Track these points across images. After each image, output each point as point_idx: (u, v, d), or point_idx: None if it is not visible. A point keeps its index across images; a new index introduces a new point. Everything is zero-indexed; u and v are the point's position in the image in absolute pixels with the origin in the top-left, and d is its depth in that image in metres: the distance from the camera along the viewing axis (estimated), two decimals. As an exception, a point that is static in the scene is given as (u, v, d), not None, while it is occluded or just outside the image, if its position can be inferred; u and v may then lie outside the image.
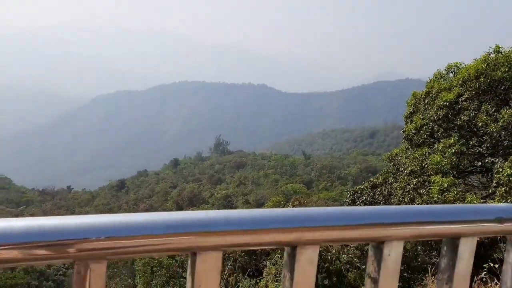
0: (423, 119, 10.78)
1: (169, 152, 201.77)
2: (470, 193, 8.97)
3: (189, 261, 0.94)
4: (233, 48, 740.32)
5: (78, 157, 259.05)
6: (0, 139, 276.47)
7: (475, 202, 8.19)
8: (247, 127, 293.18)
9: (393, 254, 1.13)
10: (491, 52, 10.27)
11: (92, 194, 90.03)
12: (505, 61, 9.74)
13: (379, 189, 11.70)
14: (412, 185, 9.64)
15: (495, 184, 8.60)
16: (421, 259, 9.80)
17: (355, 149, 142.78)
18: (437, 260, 9.50)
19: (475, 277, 5.37)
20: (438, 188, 8.77)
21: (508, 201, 7.66)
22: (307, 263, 1.03)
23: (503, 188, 8.11)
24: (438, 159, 9.29)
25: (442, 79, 11.27)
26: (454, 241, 1.21)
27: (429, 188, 9.16)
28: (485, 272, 5.36)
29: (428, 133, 10.57)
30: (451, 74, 11.21)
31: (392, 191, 11.19)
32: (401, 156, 11.24)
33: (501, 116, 9.12)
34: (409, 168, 10.04)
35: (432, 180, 9.08)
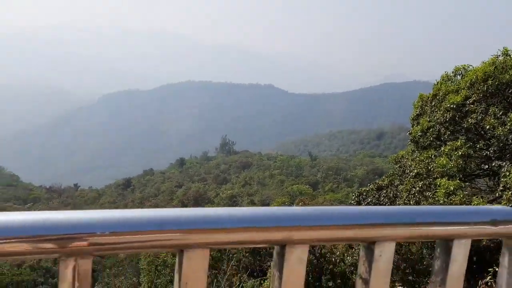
0: (429, 121, 10.73)
1: (175, 151, 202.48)
2: (477, 197, 8.91)
3: (176, 258, 0.94)
4: (234, 48, 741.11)
5: (82, 155, 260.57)
6: (1, 139, 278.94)
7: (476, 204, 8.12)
8: (253, 127, 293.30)
9: (385, 254, 1.11)
10: (499, 55, 10.21)
11: (99, 192, 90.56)
12: (513, 64, 9.68)
13: (385, 191, 11.65)
14: (417, 188, 9.59)
15: (502, 188, 8.54)
16: (427, 262, 9.74)
17: (361, 150, 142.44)
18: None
19: (480, 281, 5.33)
20: (444, 191, 8.72)
21: (515, 205, 7.60)
22: (296, 263, 1.02)
23: (510, 192, 8.05)
24: (444, 162, 9.24)
25: (450, 82, 11.21)
26: (447, 242, 1.19)
27: (435, 191, 9.10)
28: (490, 276, 5.32)
29: (434, 136, 10.51)
30: (458, 76, 11.14)
31: (398, 193, 11.14)
32: (407, 158, 11.19)
33: (508, 119, 9.06)
34: (415, 170, 9.99)
35: (438, 183, 9.03)
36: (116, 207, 64.54)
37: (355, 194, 13.58)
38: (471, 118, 9.79)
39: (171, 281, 16.87)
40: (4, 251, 0.79)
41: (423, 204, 9.16)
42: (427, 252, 9.41)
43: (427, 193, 9.25)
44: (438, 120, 10.41)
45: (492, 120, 9.28)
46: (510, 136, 9.07)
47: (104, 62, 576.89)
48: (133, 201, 69.20)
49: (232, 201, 63.69)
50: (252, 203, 59.35)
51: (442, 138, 10.47)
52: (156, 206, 60.65)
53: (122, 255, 36.35)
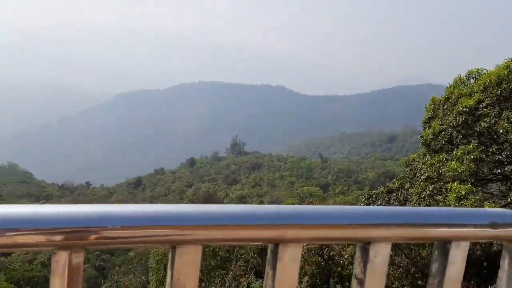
0: (441, 124, 10.61)
1: (186, 151, 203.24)
2: (488, 202, 8.79)
3: (169, 254, 0.94)
4: (247, 48, 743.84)
5: (94, 154, 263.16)
6: (16, 136, 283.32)
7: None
8: (264, 128, 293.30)
9: (380, 255, 1.10)
10: (514, 59, 10.06)
11: (110, 191, 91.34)
12: (528, 68, 9.53)
13: (395, 194, 11.55)
14: (428, 192, 9.49)
15: (514, 193, 8.41)
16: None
17: (373, 153, 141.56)
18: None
19: (489, 286, 5.26)
20: (455, 195, 8.61)
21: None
22: (289, 261, 1.01)
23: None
24: (456, 166, 9.13)
25: (463, 85, 11.08)
26: (445, 245, 1.17)
27: (446, 195, 9.00)
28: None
29: (446, 139, 10.39)
30: (472, 80, 11.01)
31: (408, 196, 11.04)
32: (418, 162, 11.09)
33: (522, 123, 8.92)
34: (426, 174, 9.90)
35: (449, 187, 8.92)
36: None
37: (364, 196, 13.50)
38: (484, 122, 9.66)
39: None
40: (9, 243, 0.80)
41: (434, 208, 9.04)
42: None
43: (438, 197, 9.15)
44: (450, 124, 10.29)
45: (506, 124, 9.14)
46: (524, 140, 8.93)
47: (114, 62, 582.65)
48: (144, 200, 69.74)
49: (242, 202, 63.77)
50: (262, 204, 59.21)
51: (454, 142, 10.35)
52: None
53: (132, 254, 36.64)
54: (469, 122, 9.97)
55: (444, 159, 9.94)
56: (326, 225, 1.04)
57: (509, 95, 9.68)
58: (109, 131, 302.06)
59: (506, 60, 10.13)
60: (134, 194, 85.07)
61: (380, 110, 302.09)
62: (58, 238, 0.82)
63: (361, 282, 1.10)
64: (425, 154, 11.16)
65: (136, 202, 66.83)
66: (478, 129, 9.80)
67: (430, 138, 10.81)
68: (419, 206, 9.51)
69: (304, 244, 1.07)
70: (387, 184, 13.50)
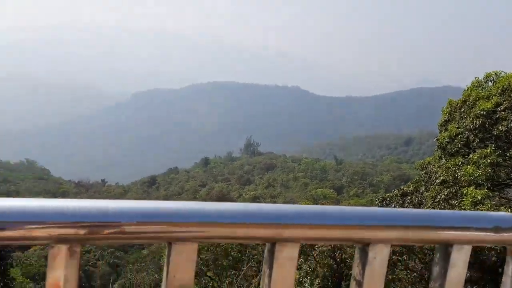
0: (458, 127, 10.45)
1: (200, 150, 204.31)
2: (505, 207, 8.61)
3: (166, 251, 0.95)
4: (262, 49, 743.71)
5: (110, 152, 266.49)
6: (34, 133, 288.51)
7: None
8: (278, 129, 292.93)
9: (379, 257, 1.08)
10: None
11: (125, 189, 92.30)
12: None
13: (409, 197, 11.41)
14: (443, 196, 9.35)
15: (532, 199, 8.22)
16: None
17: (388, 156, 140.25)
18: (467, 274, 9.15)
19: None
20: (471, 200, 8.46)
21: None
22: (286, 261, 1.00)
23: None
24: (471, 170, 8.97)
25: (480, 88, 10.89)
26: (446, 248, 1.15)
27: (461, 200, 8.85)
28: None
29: (462, 143, 10.23)
30: (490, 82, 10.81)
31: (423, 200, 10.89)
32: (434, 165, 10.93)
33: (542, 127, 8.72)
34: (441, 177, 9.75)
35: (465, 191, 8.77)
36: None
37: (378, 199, 13.37)
38: (501, 125, 9.47)
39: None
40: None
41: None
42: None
43: (453, 201, 9.00)
44: (467, 127, 10.12)
45: (524, 128, 8.96)
46: (543, 145, 8.73)
47: (126, 61, 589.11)
48: (158, 199, 70.11)
49: (255, 202, 63.75)
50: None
51: (470, 145, 10.18)
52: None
53: (145, 251, 36.98)
54: (486, 125, 9.80)
55: (460, 162, 9.79)
56: (324, 225, 1.03)
57: (529, 98, 9.48)
58: (125, 130, 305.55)
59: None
60: (148, 193, 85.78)
61: (396, 113, 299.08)
62: (53, 232, 0.83)
63: (359, 283, 1.10)
64: (440, 158, 11.00)
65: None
66: (495, 133, 9.62)
67: (446, 141, 10.65)
68: (433, 209, 9.37)
69: (301, 244, 1.04)
70: (402, 187, 13.35)
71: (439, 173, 10.11)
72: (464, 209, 8.51)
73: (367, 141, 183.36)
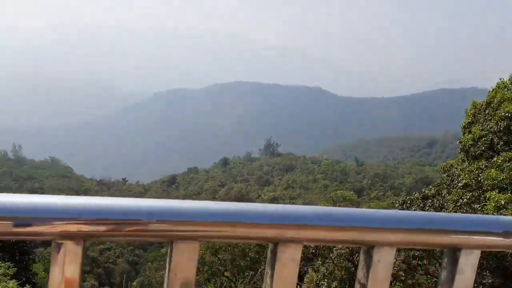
0: (482, 130, 10.15)
1: (219, 151, 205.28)
2: (531, 212, 8.29)
3: (168, 249, 0.95)
4: (284, 49, 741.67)
5: (131, 151, 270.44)
6: (57, 131, 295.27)
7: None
8: (299, 129, 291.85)
9: (384, 260, 1.06)
10: None
11: (145, 188, 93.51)
12: None
13: (430, 200, 11.15)
14: (465, 199, 9.09)
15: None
16: (477, 278, 9.18)
17: (411, 158, 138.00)
18: (489, 280, 8.88)
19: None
20: (494, 204, 8.20)
21: None
22: (288, 261, 1.00)
23: None
24: (495, 174, 8.69)
25: (506, 89, 10.55)
26: (454, 252, 1.12)
27: (484, 204, 8.58)
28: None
29: (486, 145, 9.93)
30: (515, 83, 10.47)
31: (445, 203, 10.63)
32: (456, 168, 10.65)
33: None
34: (464, 181, 9.49)
35: (488, 195, 8.50)
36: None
37: (398, 202, 13.13)
38: (528, 128, 9.15)
39: (209, 279, 17.05)
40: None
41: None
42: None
43: (476, 206, 8.74)
44: (492, 129, 9.82)
45: (552, 131, 8.62)
46: None
47: (148, 61, 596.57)
48: (177, 198, 70.61)
49: (274, 203, 63.63)
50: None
51: (494, 148, 9.87)
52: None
53: (164, 250, 37.32)
54: (511, 128, 9.48)
55: (483, 166, 9.50)
56: (327, 226, 1.02)
57: (557, 100, 9.13)
58: (146, 129, 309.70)
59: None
60: (168, 192, 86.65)
61: (419, 114, 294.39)
62: (56, 228, 0.84)
63: (363, 286, 1.08)
64: (463, 160, 10.72)
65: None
66: (521, 136, 9.31)
67: (469, 144, 10.36)
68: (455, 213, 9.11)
69: (304, 244, 1.03)
70: (423, 190, 13.08)
71: (461, 176, 9.85)
72: (487, 213, 8.25)
73: (388, 143, 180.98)
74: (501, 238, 1.13)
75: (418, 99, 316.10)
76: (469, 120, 11.15)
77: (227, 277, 16.97)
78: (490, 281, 8.25)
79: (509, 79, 10.68)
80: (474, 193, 9.07)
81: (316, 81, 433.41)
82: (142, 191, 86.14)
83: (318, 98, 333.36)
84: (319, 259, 14.56)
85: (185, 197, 72.59)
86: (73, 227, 0.85)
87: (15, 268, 10.45)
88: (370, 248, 1.06)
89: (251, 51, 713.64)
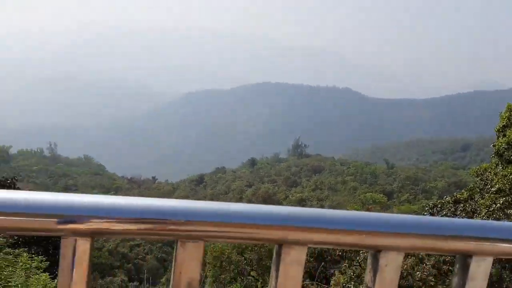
0: (517, 133, 9.78)
1: (247, 151, 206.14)
2: None
3: (174, 248, 0.97)
4: (311, 49, 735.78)
5: (161, 150, 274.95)
6: (91, 130, 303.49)
7: None
8: (328, 131, 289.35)
9: (391, 265, 1.05)
10: None
11: (173, 186, 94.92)
12: None
13: (462, 205, 10.84)
14: (498, 204, 8.79)
15: None
16: (506, 285, 8.89)
17: (443, 161, 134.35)
18: None
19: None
20: (529, 210, 7.88)
21: None
22: (293, 263, 1.00)
23: None
24: (531, 178, 8.35)
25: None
26: (465, 259, 1.10)
27: (519, 210, 8.27)
28: None
29: (522, 149, 9.56)
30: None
31: (477, 208, 10.31)
32: (490, 172, 10.31)
33: None
34: (497, 185, 9.17)
35: (523, 201, 8.19)
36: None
37: (429, 205, 12.83)
38: None
39: (235, 278, 17.15)
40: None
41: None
42: (506, 273, 8.57)
43: (509, 211, 8.43)
44: (528, 132, 9.46)
45: None
46: None
47: (178, 61, 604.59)
48: (205, 197, 71.50)
49: (301, 205, 63.36)
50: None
51: (531, 152, 9.50)
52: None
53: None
54: (550, 131, 9.10)
55: (518, 170, 9.16)
56: (332, 229, 1.02)
57: None
58: (176, 129, 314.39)
59: None
60: (196, 191, 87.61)
61: (453, 116, 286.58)
62: (65, 224, 0.87)
63: None
64: (497, 165, 10.37)
65: (197, 199, 68.83)
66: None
67: (503, 148, 10.02)
68: (488, 219, 8.82)
69: (309, 247, 1.03)
70: (455, 194, 12.75)
71: (495, 180, 9.52)
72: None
73: (420, 145, 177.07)
74: None
75: (452, 101, 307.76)
76: (504, 123, 10.78)
77: (253, 276, 17.02)
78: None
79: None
80: (507, 198, 8.76)
81: (346, 82, 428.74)
82: (171, 190, 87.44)
83: (347, 99, 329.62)
84: (346, 262, 14.40)
85: (212, 196, 73.26)
86: (81, 225, 0.87)
87: (48, 262, 10.82)
88: (377, 252, 1.06)
89: (279, 51, 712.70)
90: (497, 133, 11.01)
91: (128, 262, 37.17)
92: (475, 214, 10.31)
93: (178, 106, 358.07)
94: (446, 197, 12.57)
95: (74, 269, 0.89)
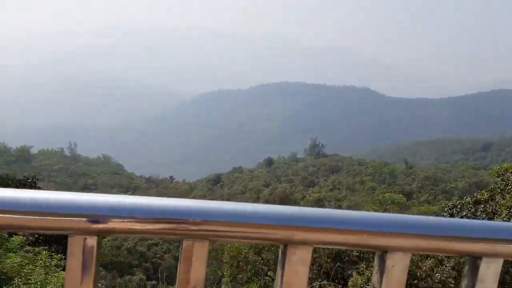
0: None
1: (264, 150, 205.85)
2: None
3: (180, 247, 0.98)
4: (330, 49, 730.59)
5: (179, 149, 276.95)
6: (109, 131, 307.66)
7: None
8: (345, 130, 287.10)
9: (398, 266, 1.04)
10: None
11: (191, 186, 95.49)
12: None
13: (482, 206, 10.58)
14: (521, 205, 8.53)
15: None
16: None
17: (464, 161, 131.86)
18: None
19: None
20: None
21: None
22: (298, 263, 1.00)
23: None
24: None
25: None
26: (475, 260, 1.08)
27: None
28: None
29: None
30: None
31: (498, 209, 10.06)
32: (511, 172, 10.04)
33: None
34: (519, 185, 8.90)
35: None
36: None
37: (448, 206, 12.58)
38: None
39: (251, 278, 17.13)
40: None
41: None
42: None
43: (532, 212, 8.18)
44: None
45: None
46: None
47: (192, 61, 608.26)
48: (222, 197, 71.73)
49: (319, 205, 62.95)
50: (339, 209, 57.91)
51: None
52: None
53: (210, 247, 37.98)
54: None
55: (542, 170, 8.88)
56: (337, 229, 1.01)
57: None
58: (192, 129, 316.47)
59: None
60: (213, 191, 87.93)
61: (473, 116, 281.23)
62: (70, 223, 0.89)
63: None
64: (519, 164, 10.09)
65: (214, 199, 69.11)
66: None
67: (526, 146, 9.73)
68: (509, 220, 8.59)
69: (314, 247, 1.03)
70: (475, 194, 12.47)
71: (517, 180, 9.26)
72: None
73: (440, 145, 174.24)
74: None
75: (472, 100, 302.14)
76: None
77: (270, 276, 16.99)
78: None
79: None
80: (531, 199, 8.50)
81: (364, 82, 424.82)
82: (188, 189, 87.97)
83: (366, 99, 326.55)
84: (364, 263, 14.25)
85: (229, 196, 73.42)
86: (87, 223, 0.88)
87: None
88: (383, 253, 1.05)
89: (296, 51, 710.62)
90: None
91: (146, 261, 37.52)
92: (496, 215, 10.06)
93: (195, 106, 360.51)
94: (466, 198, 12.32)
95: (81, 268, 0.90)
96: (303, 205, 62.31)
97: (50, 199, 0.88)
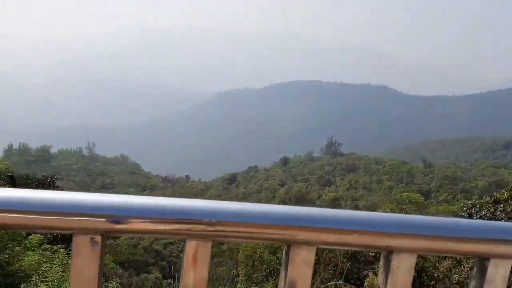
0: None
1: (279, 149, 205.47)
2: None
3: (184, 247, 0.98)
4: (345, 46, 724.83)
5: (194, 149, 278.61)
6: (127, 130, 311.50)
7: None
8: (362, 129, 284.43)
9: (403, 266, 1.03)
10: None
11: (206, 185, 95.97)
12: None
13: (502, 205, 10.33)
14: (542, 205, 8.28)
15: None
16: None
17: (484, 160, 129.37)
18: None
19: None
20: None
21: None
22: (301, 263, 1.00)
23: None
24: None
25: None
26: (483, 261, 1.07)
27: None
28: None
29: None
30: None
31: (518, 209, 9.80)
32: (533, 171, 9.76)
33: None
34: (541, 184, 8.64)
35: None
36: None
37: (467, 205, 12.33)
38: None
39: (267, 278, 17.10)
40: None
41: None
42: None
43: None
44: None
45: None
46: None
47: (208, 61, 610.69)
48: (237, 196, 71.89)
49: (335, 204, 62.52)
50: (356, 209, 57.39)
51: None
52: (259, 202, 62.16)
53: (224, 246, 38.05)
54: None
55: None
56: (341, 230, 1.00)
57: None
58: (208, 128, 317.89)
59: None
60: (228, 190, 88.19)
61: (494, 113, 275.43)
62: (75, 223, 0.89)
63: None
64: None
65: (229, 198, 69.34)
66: None
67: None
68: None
69: (318, 247, 1.02)
70: (494, 193, 12.19)
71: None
72: None
73: (459, 143, 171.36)
74: None
75: (491, 97, 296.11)
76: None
77: (286, 276, 16.95)
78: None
79: None
80: (553, 198, 8.25)
81: (381, 79, 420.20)
82: (204, 188, 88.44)
83: (382, 97, 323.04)
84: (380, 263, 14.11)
85: (245, 195, 73.53)
86: (91, 223, 0.89)
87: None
88: (389, 253, 1.04)
89: (311, 49, 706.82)
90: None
91: (162, 260, 37.81)
92: (517, 215, 9.80)
93: (211, 105, 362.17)
94: (486, 197, 12.06)
95: (86, 268, 0.91)
96: (319, 205, 61.96)
97: (55, 199, 0.89)
